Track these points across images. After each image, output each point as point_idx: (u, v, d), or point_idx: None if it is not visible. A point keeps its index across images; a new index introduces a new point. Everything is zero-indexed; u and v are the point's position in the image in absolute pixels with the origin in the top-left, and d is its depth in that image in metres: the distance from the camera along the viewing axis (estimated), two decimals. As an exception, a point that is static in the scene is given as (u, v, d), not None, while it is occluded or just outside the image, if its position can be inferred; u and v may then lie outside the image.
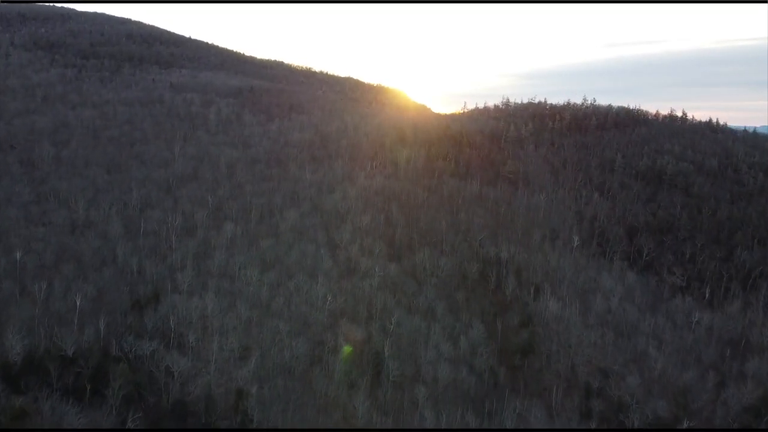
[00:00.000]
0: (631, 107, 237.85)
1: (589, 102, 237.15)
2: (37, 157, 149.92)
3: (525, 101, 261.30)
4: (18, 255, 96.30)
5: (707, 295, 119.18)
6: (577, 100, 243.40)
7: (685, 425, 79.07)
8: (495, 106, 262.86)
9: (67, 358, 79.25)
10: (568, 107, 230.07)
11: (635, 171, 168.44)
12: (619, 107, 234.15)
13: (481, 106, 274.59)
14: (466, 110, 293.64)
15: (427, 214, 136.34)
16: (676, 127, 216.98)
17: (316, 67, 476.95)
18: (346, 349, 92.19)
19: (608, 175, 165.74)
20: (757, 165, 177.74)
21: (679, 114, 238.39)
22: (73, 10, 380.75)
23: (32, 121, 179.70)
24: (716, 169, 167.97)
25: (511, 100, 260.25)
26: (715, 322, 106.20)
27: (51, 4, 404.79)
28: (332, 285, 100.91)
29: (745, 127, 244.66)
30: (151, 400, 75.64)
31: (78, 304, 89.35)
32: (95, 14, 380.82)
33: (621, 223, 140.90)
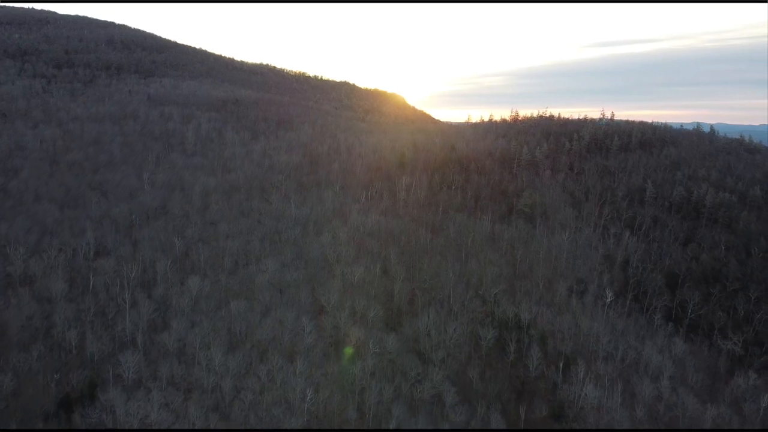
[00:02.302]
0: (655, 124, 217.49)
1: (607, 117, 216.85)
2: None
3: (535, 114, 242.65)
4: None
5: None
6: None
7: None
8: (502, 119, 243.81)
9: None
10: (585, 124, 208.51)
11: (669, 203, 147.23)
12: (641, 123, 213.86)
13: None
14: (470, 122, 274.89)
15: (432, 260, 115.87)
16: (706, 146, 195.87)
17: (311, 72, 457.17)
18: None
19: (638, 208, 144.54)
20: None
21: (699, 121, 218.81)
22: (53, 13, 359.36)
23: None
24: (761, 199, 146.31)
25: (516, 107, 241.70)
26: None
27: (30, 5, 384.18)
28: (314, 371, 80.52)
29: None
30: None
31: (-13, 405, 69.82)
32: (76, 17, 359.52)
33: (658, 268, 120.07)
